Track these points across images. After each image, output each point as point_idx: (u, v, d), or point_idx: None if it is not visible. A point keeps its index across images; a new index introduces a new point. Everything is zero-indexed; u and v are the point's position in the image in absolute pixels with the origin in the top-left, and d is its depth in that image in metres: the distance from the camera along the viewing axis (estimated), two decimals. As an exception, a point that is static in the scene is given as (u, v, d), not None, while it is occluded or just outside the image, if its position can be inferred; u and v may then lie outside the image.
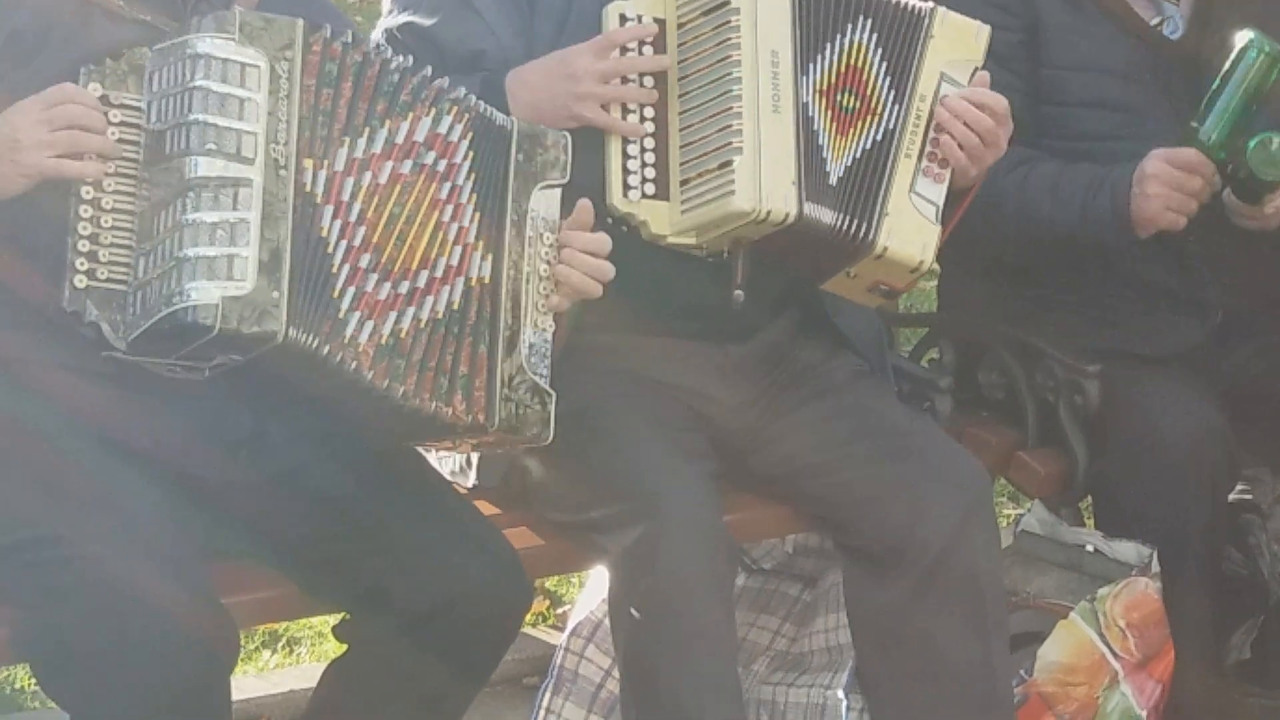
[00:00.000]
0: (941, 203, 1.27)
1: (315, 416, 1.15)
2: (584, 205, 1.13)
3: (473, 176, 1.06)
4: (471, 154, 1.06)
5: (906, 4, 1.27)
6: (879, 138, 1.27)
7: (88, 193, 0.98)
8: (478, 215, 1.07)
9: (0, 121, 0.98)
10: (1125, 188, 1.40)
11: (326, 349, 0.99)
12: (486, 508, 1.33)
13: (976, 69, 1.28)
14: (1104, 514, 1.51)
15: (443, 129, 1.05)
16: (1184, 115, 1.44)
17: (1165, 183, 1.39)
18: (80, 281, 0.97)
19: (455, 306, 1.06)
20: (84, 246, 0.98)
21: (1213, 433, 1.45)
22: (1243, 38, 1.39)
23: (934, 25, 1.26)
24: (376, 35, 1.31)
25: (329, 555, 1.13)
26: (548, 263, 1.11)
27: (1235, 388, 1.51)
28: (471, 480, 1.36)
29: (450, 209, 1.05)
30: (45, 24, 1.03)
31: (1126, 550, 1.46)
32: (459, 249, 1.06)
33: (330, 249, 1.01)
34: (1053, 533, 1.48)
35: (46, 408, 1.03)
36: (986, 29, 1.29)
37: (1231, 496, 1.56)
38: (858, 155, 1.27)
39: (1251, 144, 1.36)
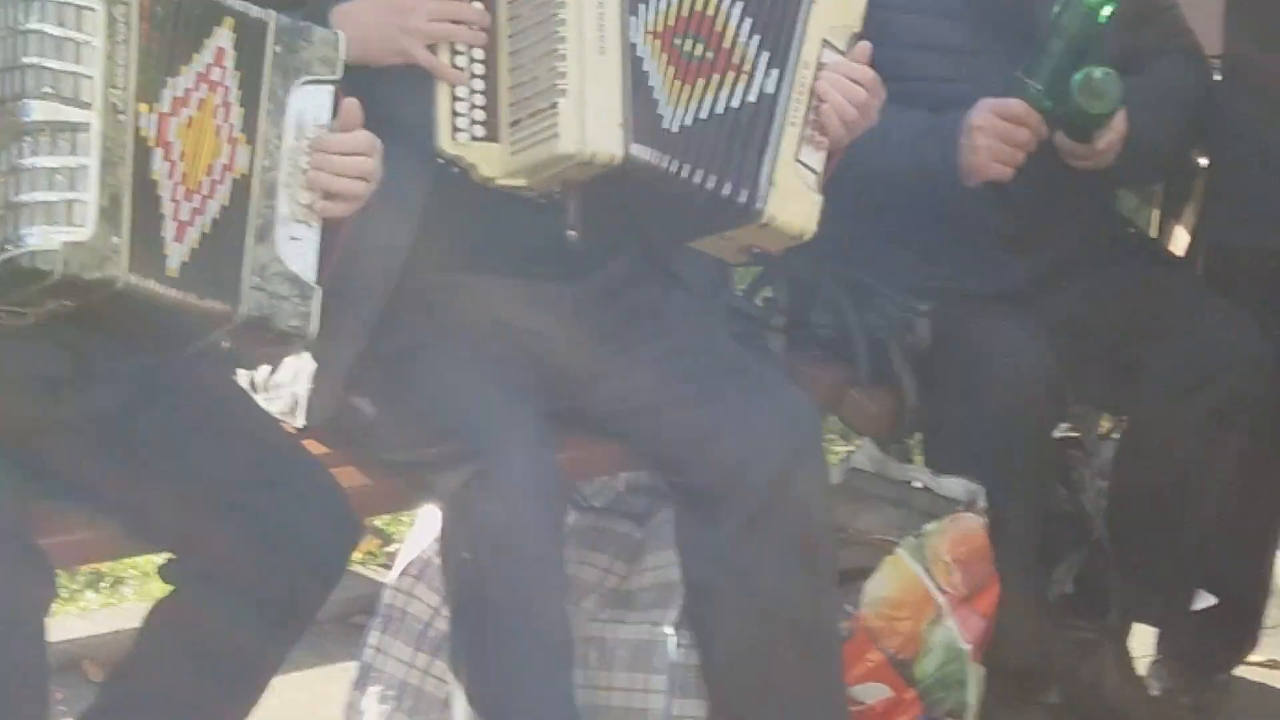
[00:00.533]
0: (821, 170, 1.29)
1: (138, 354, 1.16)
2: (348, 105, 1.13)
3: (238, 75, 1.07)
4: (235, 53, 1.07)
5: None
6: (753, 100, 1.28)
7: None
8: (240, 110, 1.08)
9: None
10: (953, 137, 1.43)
11: (151, 287, 1.01)
12: (315, 447, 1.31)
13: (855, 35, 1.29)
14: (933, 451, 1.55)
15: (223, 42, 1.06)
16: (1019, 57, 1.46)
17: (991, 134, 1.42)
18: None
19: (225, 203, 1.07)
20: None
21: (1040, 371, 1.49)
22: None
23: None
24: None
25: (151, 495, 1.14)
26: (309, 158, 1.11)
27: (1064, 327, 1.56)
28: (300, 420, 1.34)
29: (222, 110, 1.06)
30: None
31: (954, 487, 1.50)
32: (228, 147, 1.07)
33: (159, 190, 1.03)
34: (882, 469, 1.52)
35: None
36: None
37: (1058, 434, 1.62)
38: (718, 110, 1.28)
39: (1076, 79, 1.39)
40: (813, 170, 1.30)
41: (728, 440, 1.32)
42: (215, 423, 1.20)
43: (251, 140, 1.09)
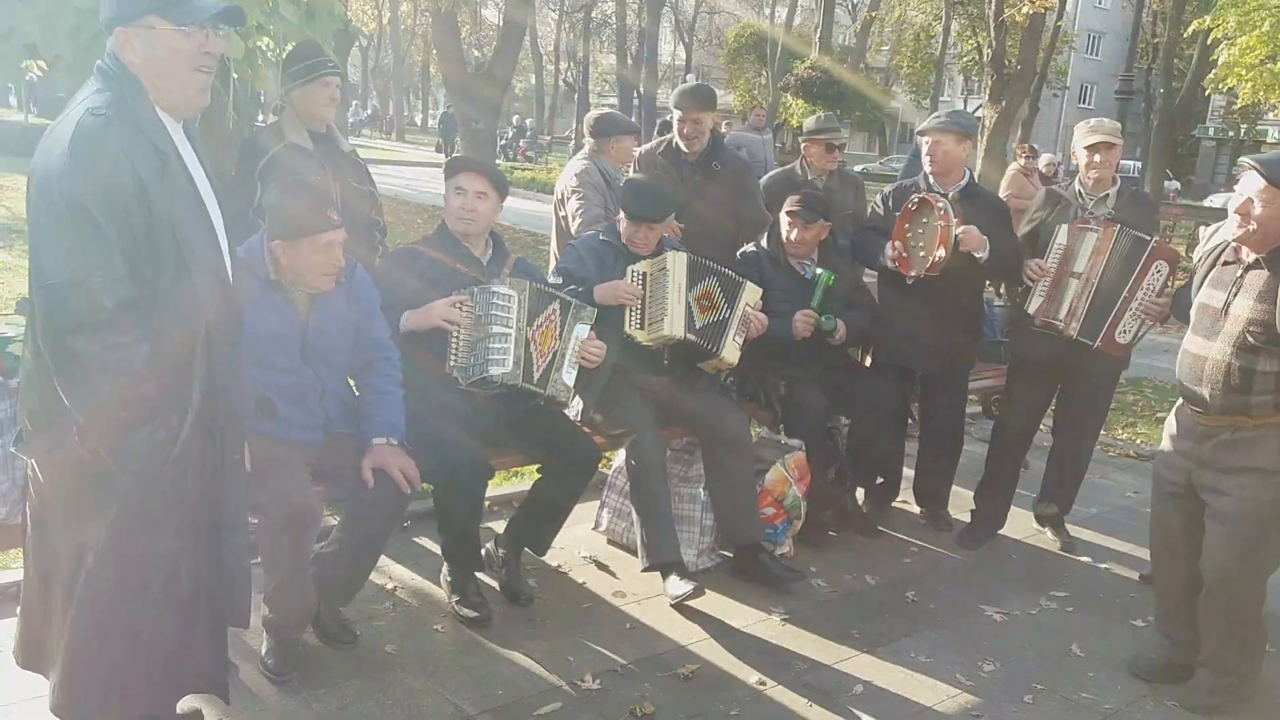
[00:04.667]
0: (743, 341, 3.93)
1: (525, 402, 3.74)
2: (593, 339, 3.76)
3: (561, 317, 3.54)
4: (560, 309, 3.51)
5: (733, 277, 3.97)
6: (722, 319, 3.88)
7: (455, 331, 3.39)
8: (559, 330, 3.51)
9: (426, 309, 3.39)
10: (789, 326, 4.16)
11: (526, 385, 3.52)
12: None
13: (760, 296, 3.98)
14: (787, 431, 4.31)
15: (556, 305, 3.54)
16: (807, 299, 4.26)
17: (800, 323, 4.16)
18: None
19: (549, 358, 3.54)
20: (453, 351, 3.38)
21: (819, 403, 4.30)
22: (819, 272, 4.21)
23: (746, 289, 3.95)
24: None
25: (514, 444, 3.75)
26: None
27: (823, 385, 4.38)
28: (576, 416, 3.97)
29: (555, 327, 3.50)
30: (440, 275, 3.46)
31: (794, 442, 4.25)
32: (553, 342, 3.50)
33: (533, 351, 3.47)
34: (769, 437, 4.27)
35: None
36: (759, 290, 3.99)
37: (829, 423, 4.44)
38: (712, 320, 3.88)
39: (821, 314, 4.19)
40: (739, 345, 3.91)
41: (722, 424, 4.02)
42: (550, 417, 3.68)
43: (561, 338, 3.50)
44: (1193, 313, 3.17)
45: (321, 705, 2.88)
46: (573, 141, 30.31)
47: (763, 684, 3.19)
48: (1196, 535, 3.23)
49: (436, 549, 3.79)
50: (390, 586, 3.64)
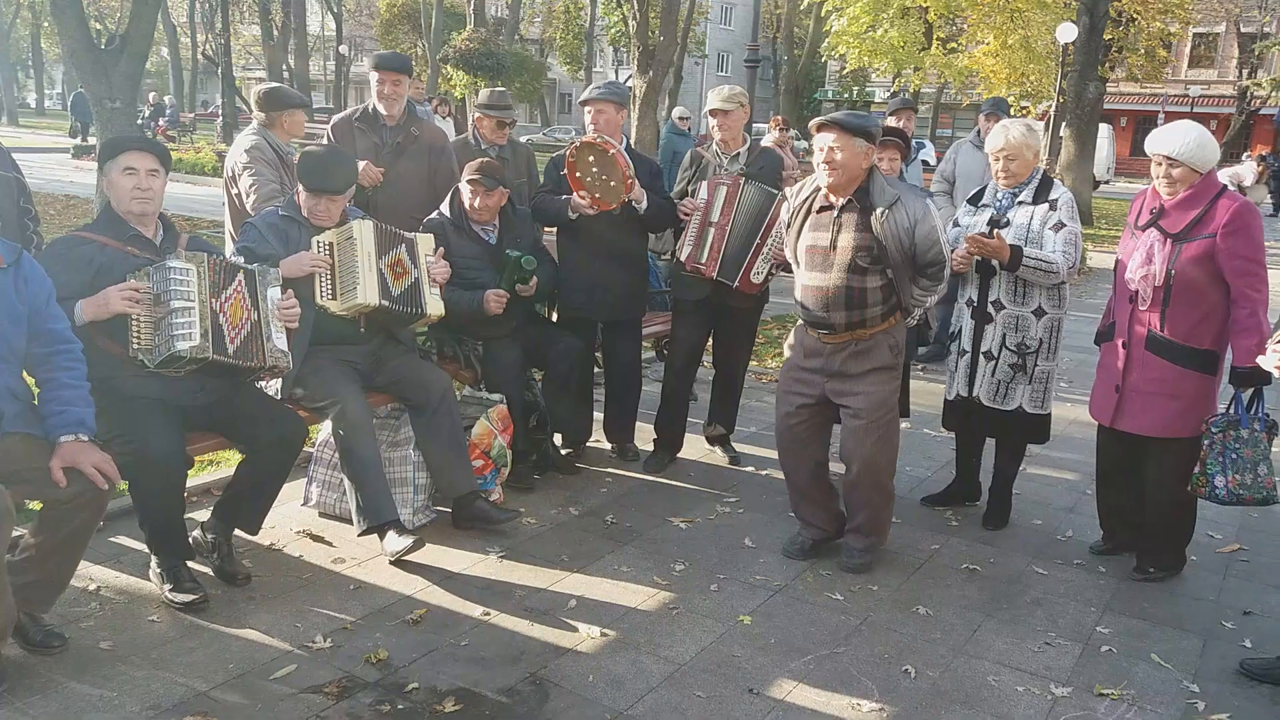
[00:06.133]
0: (438, 291, 4.16)
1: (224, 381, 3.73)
2: (288, 297, 3.87)
3: (248, 288, 3.53)
4: (243, 279, 3.51)
5: (410, 236, 4.17)
6: (414, 280, 4.06)
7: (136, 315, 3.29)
8: (250, 299, 3.51)
9: (100, 296, 3.22)
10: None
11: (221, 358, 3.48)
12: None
13: (432, 245, 4.26)
14: (487, 387, 4.60)
15: (240, 279, 3.54)
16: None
17: (493, 301, 4.47)
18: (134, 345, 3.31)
19: (248, 329, 3.48)
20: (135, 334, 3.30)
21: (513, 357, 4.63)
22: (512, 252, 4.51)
23: (419, 242, 4.17)
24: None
25: (233, 426, 3.77)
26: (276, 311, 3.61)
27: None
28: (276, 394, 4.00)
29: (243, 299, 3.52)
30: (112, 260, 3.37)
31: (495, 396, 4.55)
32: (246, 311, 3.50)
33: (223, 330, 3.42)
34: (473, 394, 4.54)
35: None
36: (430, 237, 4.21)
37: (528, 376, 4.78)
38: (408, 285, 4.05)
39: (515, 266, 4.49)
40: (437, 296, 4.10)
41: (425, 385, 4.22)
42: (251, 397, 3.67)
43: (256, 307, 3.54)
44: (801, 256, 3.84)
45: (40, 709, 2.79)
46: (220, 119, 28.28)
47: (487, 614, 3.49)
48: (822, 434, 3.94)
49: (138, 545, 3.71)
50: (93, 588, 3.52)
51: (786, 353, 4.08)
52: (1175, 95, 38.19)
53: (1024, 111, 23.05)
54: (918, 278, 3.75)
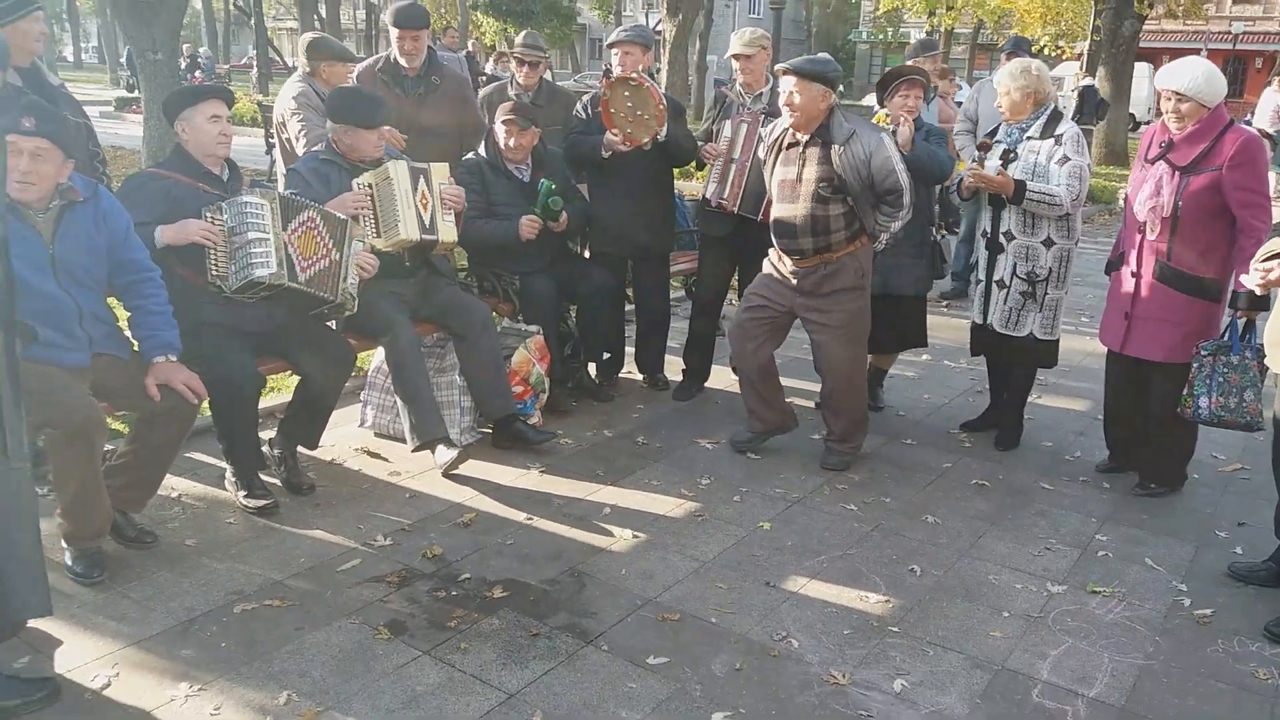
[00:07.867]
0: (453, 220, 4.43)
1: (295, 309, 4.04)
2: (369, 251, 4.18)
3: (327, 227, 3.84)
4: (322, 220, 3.82)
5: (424, 166, 4.44)
6: (432, 208, 4.38)
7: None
8: (330, 236, 3.83)
9: (179, 225, 3.52)
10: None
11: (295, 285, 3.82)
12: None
13: (446, 174, 4.55)
14: (525, 319, 4.88)
15: (312, 213, 3.83)
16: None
17: (526, 226, 4.73)
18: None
19: (326, 265, 3.80)
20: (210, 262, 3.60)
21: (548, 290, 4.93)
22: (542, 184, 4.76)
23: (433, 171, 4.46)
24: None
25: (293, 349, 4.08)
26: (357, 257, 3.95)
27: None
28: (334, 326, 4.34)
29: (320, 234, 3.82)
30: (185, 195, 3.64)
31: (531, 328, 4.84)
32: (324, 248, 3.81)
33: (294, 260, 3.70)
34: (512, 327, 4.85)
35: None
36: (444, 166, 4.43)
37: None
38: (430, 213, 4.34)
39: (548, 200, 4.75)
40: (450, 224, 4.31)
41: (469, 314, 4.46)
42: (307, 325, 3.94)
43: (340, 249, 3.92)
44: (774, 189, 4.28)
45: (138, 594, 3.17)
46: (255, 69, 28.52)
47: (530, 519, 3.82)
48: (772, 340, 4.41)
49: (213, 461, 4.06)
50: (175, 494, 3.89)
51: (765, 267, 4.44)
52: (1218, 32, 37.23)
53: (1059, 52, 22.71)
54: (880, 204, 4.13)
